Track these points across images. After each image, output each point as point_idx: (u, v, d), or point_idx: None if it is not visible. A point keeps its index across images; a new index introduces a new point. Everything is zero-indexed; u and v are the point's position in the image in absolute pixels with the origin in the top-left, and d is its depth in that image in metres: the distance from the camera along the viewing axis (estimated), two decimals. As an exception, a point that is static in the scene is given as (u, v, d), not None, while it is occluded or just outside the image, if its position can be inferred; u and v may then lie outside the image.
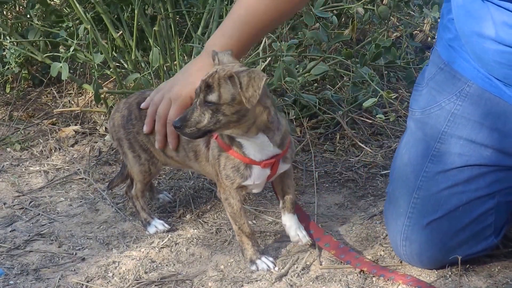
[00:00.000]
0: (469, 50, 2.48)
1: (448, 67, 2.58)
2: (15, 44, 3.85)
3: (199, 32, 3.76)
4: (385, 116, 3.38)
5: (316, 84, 3.81)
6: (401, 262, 2.64)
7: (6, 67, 3.95)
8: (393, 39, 3.97)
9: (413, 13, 4.11)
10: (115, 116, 2.86)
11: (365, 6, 3.70)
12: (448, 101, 2.54)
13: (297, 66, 3.58)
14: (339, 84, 3.78)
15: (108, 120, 2.92)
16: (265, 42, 3.56)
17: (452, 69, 2.56)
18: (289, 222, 2.70)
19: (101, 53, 3.58)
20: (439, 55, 2.63)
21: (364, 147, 3.47)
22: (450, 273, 2.56)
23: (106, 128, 3.74)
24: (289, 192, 2.69)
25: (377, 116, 3.49)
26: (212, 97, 2.36)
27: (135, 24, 3.65)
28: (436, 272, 2.57)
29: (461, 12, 2.46)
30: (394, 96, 3.25)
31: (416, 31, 4.15)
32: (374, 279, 2.53)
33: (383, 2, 3.80)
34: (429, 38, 4.23)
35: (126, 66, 3.83)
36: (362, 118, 3.64)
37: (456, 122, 2.52)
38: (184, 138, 2.62)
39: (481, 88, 2.48)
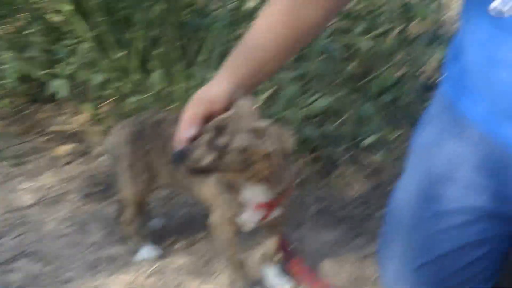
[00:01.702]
0: (479, 83, 2.43)
1: (452, 107, 2.53)
2: (14, 59, 3.81)
3: (202, 57, 3.73)
4: (385, 155, 3.35)
5: (317, 118, 3.77)
6: (393, 304, 2.59)
7: (3, 81, 3.91)
8: (397, 78, 3.95)
9: (418, 52, 4.09)
10: (121, 132, 2.80)
11: (371, 41, 3.69)
12: (449, 141, 2.49)
13: (299, 98, 3.55)
14: (341, 119, 3.74)
15: (109, 136, 2.86)
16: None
17: (456, 109, 2.52)
18: (268, 274, 2.68)
19: (101, 73, 3.54)
20: (443, 94, 2.59)
21: (362, 185, 3.42)
22: (443, 318, 2.51)
23: (101, 149, 3.69)
24: (272, 243, 2.66)
25: (377, 154, 3.46)
26: (220, 141, 2.30)
27: (137, 46, 3.62)
28: (428, 317, 2.52)
29: (474, 42, 2.43)
30: (396, 135, 3.22)
31: (421, 70, 4.13)
32: (365, 320, 2.49)
33: (389, 38, 3.78)
34: (434, 77, 4.21)
35: (126, 87, 3.79)
36: (362, 156, 3.59)
37: (455, 164, 2.47)
38: None
39: (483, 132, 2.43)
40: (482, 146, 2.45)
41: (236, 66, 2.48)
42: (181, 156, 2.27)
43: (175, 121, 2.72)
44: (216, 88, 2.41)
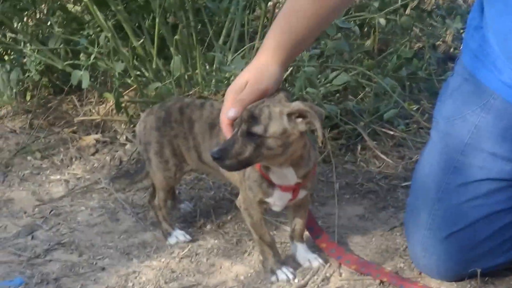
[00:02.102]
0: (500, 53, 2.44)
1: (473, 78, 2.55)
2: (35, 51, 3.86)
3: (220, 41, 3.76)
4: (406, 128, 3.37)
5: (337, 95, 3.79)
6: (420, 274, 2.63)
7: (26, 74, 3.96)
8: (415, 50, 3.96)
9: (436, 24, 4.09)
10: (148, 118, 2.85)
11: (387, 17, 3.69)
12: (472, 113, 2.51)
13: (319, 76, 3.57)
14: (361, 94, 3.77)
15: (137, 124, 2.91)
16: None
17: (477, 80, 2.53)
18: (297, 251, 2.72)
19: (122, 62, 3.59)
20: (464, 66, 2.61)
21: (385, 158, 3.45)
22: (469, 285, 2.55)
23: (127, 137, 3.74)
24: (299, 222, 2.70)
25: (398, 127, 3.47)
26: (257, 129, 2.32)
27: (156, 33, 3.66)
28: (455, 285, 2.55)
29: (494, 13, 2.44)
30: (416, 108, 3.24)
31: (438, 42, 4.13)
32: (394, 291, 2.53)
33: (406, 13, 3.78)
34: (452, 49, 4.21)
35: (147, 74, 3.83)
36: (383, 129, 3.61)
37: (479, 135, 2.50)
38: (218, 143, 2.62)
39: (506, 101, 2.45)
40: (506, 115, 2.47)
41: (283, 46, 2.49)
42: (222, 154, 2.31)
43: (200, 106, 2.78)
44: (266, 72, 2.44)
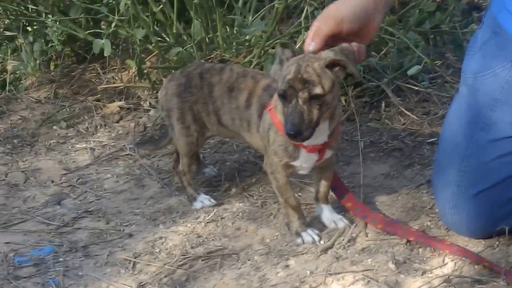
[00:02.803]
0: None
1: (504, 31, 2.48)
2: (57, 22, 3.87)
3: (240, 3, 3.74)
4: (431, 82, 3.33)
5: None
6: (447, 231, 2.61)
7: (49, 45, 3.98)
8: (438, 2, 3.90)
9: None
10: (169, 84, 2.86)
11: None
12: (503, 67, 2.46)
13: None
14: (384, 50, 3.72)
15: (159, 90, 2.92)
16: (307, 10, 3.52)
17: (508, 34, 2.47)
18: (322, 212, 2.72)
19: (143, 28, 3.58)
20: (494, 19, 2.54)
21: (410, 114, 3.42)
22: (497, 243, 2.52)
23: (150, 103, 3.75)
24: (324, 184, 2.69)
25: (422, 83, 3.44)
26: (318, 90, 2.31)
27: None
28: (483, 242, 2.53)
29: None
30: (440, 62, 3.19)
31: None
32: (420, 250, 2.51)
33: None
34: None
35: (168, 40, 3.82)
36: (407, 85, 3.58)
37: (510, 90, 2.45)
38: (237, 106, 2.67)
39: None
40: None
41: None
42: (298, 129, 2.30)
43: (220, 70, 2.77)
44: (344, 7, 2.41)
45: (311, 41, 2.38)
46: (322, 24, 2.37)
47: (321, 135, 2.48)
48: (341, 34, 2.38)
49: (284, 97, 2.34)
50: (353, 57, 2.35)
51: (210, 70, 2.80)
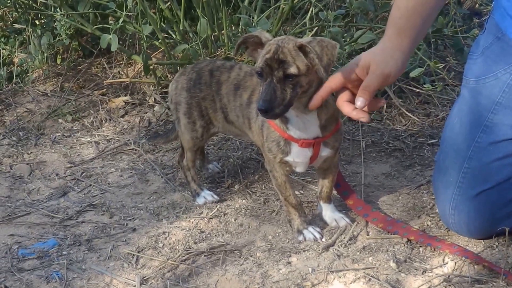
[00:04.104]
0: None
1: (506, 36, 2.52)
2: (65, 16, 3.90)
3: (246, 1, 3.77)
4: (432, 85, 3.36)
5: (363, 53, 3.78)
6: (448, 231, 2.64)
7: (57, 39, 4.01)
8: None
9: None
10: (180, 78, 2.90)
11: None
12: (504, 71, 2.50)
13: (344, 35, 3.57)
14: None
15: (170, 83, 2.95)
16: (311, 11, 3.55)
17: (510, 39, 2.51)
18: (324, 211, 2.75)
19: (150, 24, 3.61)
20: (496, 24, 2.57)
21: (411, 116, 3.46)
22: (497, 243, 2.56)
23: (155, 98, 3.78)
24: (327, 185, 2.72)
25: (424, 85, 3.47)
26: (293, 70, 2.34)
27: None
28: (483, 242, 2.57)
29: None
30: (442, 66, 3.22)
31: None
32: (421, 249, 2.55)
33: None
34: (477, 5, 4.16)
35: (174, 36, 3.85)
36: (409, 87, 3.61)
37: (511, 94, 2.49)
38: (241, 103, 2.70)
39: None
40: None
41: (413, 40, 2.45)
42: (269, 105, 2.33)
43: (229, 68, 2.81)
44: (392, 62, 2.41)
45: (359, 96, 2.39)
46: (373, 81, 2.39)
47: (310, 127, 2.50)
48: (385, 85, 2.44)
49: (261, 75, 2.38)
50: (330, 52, 2.34)
51: (220, 68, 2.83)
